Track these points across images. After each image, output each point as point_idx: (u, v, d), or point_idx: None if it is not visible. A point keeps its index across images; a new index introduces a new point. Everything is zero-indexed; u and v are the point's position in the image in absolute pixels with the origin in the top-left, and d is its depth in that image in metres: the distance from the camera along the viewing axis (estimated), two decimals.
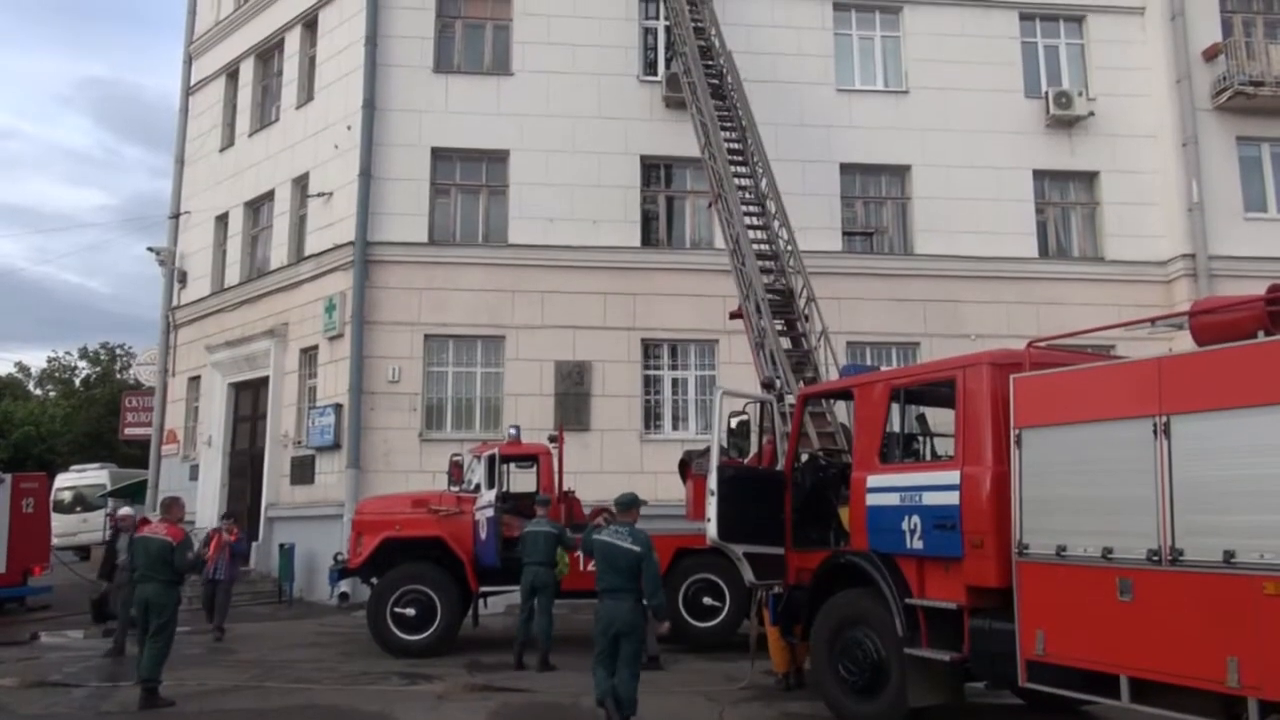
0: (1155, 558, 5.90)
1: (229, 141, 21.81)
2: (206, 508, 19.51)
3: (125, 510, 13.62)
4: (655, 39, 18.93)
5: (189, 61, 23.35)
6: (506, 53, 18.58)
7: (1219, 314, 6.32)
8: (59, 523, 21.38)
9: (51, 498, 20.17)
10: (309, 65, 19.89)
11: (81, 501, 27.40)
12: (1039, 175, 18.97)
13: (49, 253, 75.66)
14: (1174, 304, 17.69)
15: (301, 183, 19.40)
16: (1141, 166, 18.89)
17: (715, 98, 15.75)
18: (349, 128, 18.06)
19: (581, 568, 11.35)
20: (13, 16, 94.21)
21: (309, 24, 19.98)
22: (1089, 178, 19.14)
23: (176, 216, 22.78)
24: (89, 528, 25.93)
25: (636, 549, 7.49)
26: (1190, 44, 18.74)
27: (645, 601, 7.53)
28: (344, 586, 13.88)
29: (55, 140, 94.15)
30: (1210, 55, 18.73)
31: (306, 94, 19.75)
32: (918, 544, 7.46)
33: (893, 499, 7.72)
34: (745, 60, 16.96)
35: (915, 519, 7.49)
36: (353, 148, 17.87)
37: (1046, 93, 18.79)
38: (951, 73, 18.79)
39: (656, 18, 18.83)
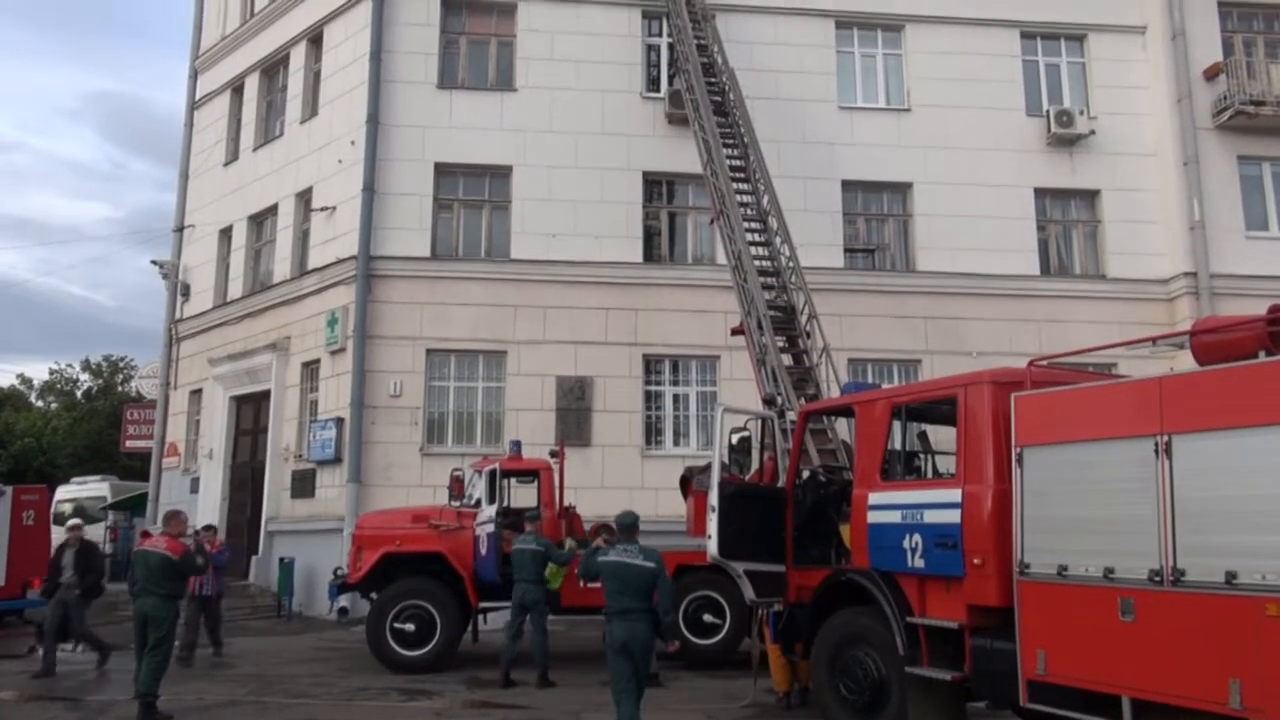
0: (1157, 578, 5.88)
1: (233, 156, 21.89)
2: (207, 521, 19.42)
3: (73, 522, 13.11)
4: (658, 56, 19.02)
5: (194, 76, 23.49)
6: (510, 69, 18.67)
7: (1220, 334, 6.33)
8: (59, 535, 21.28)
9: (52, 510, 20.12)
10: (313, 80, 19.99)
11: (81, 514, 27.24)
12: (1040, 193, 19.01)
13: (54, 265, 75.93)
14: (1176, 322, 17.72)
15: (305, 197, 19.46)
16: (1143, 185, 18.93)
17: (717, 114, 15.82)
18: (352, 143, 18.14)
19: (581, 585, 11.31)
20: (20, 30, 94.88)
21: (314, 39, 20.09)
22: (1090, 196, 19.18)
23: (180, 230, 22.86)
24: None
25: (651, 565, 7.41)
26: (1191, 63, 18.82)
27: (662, 618, 7.43)
28: (343, 601, 13.83)
29: (61, 153, 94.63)
30: (1211, 74, 18.81)
31: (311, 109, 19.83)
32: (919, 562, 7.43)
33: (894, 517, 7.70)
34: (747, 77, 17.04)
35: (916, 537, 7.47)
36: (356, 162, 17.94)
37: (1048, 111, 18.85)
38: (953, 91, 18.86)
39: (659, 35, 18.93)
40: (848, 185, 18.65)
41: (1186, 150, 18.53)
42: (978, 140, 18.73)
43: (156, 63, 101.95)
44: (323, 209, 18.61)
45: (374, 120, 17.92)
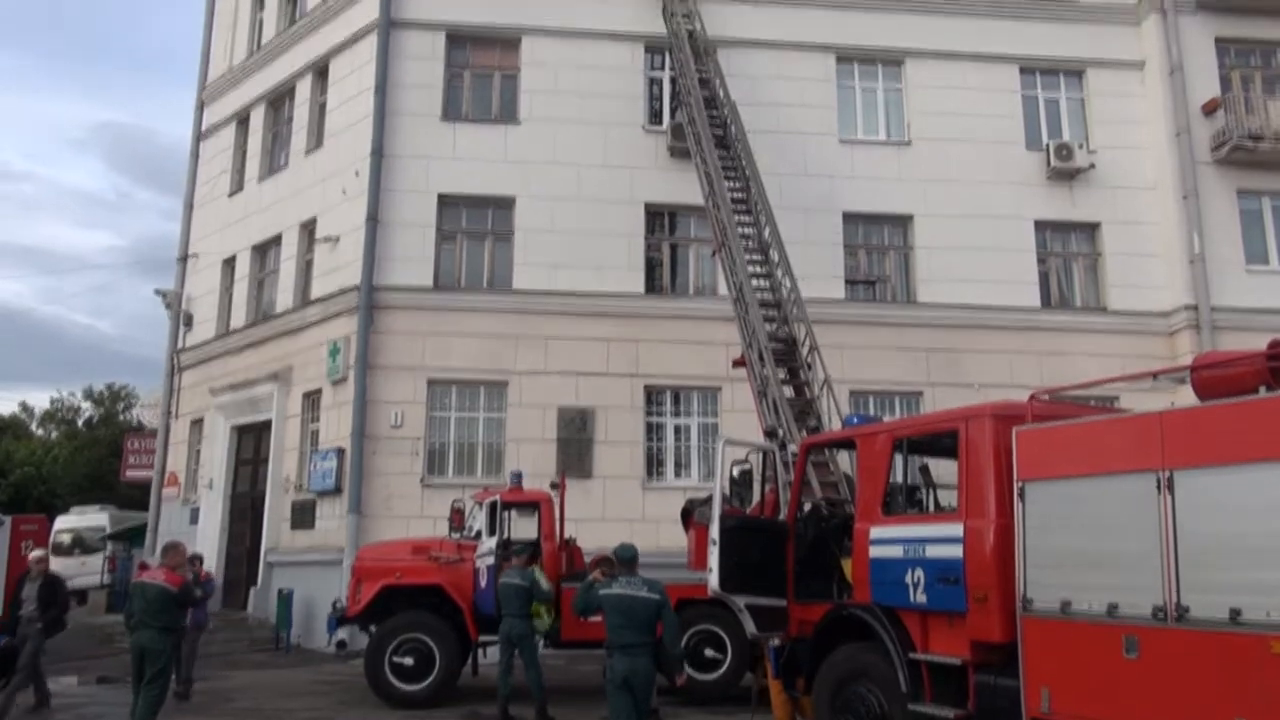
0: (1160, 614, 5.85)
1: (238, 186, 22.02)
2: (206, 551, 19.27)
3: (37, 554, 12.76)
4: (660, 89, 19.18)
5: (201, 107, 23.67)
6: (513, 101, 18.82)
7: (1221, 369, 6.34)
8: (57, 566, 21.19)
9: (51, 540, 20.03)
10: (319, 112, 20.15)
11: (80, 544, 27.21)
12: (1041, 226, 19.06)
13: (58, 293, 76.23)
14: (1177, 355, 17.71)
15: (309, 227, 19.54)
16: (1143, 218, 18.99)
17: (719, 147, 15.92)
18: (357, 174, 18.23)
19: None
20: (28, 61, 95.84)
21: (320, 72, 20.28)
22: (1090, 229, 19.24)
23: (184, 259, 22.93)
24: (88, 571, 25.70)
25: (655, 597, 7.38)
26: (1189, 98, 18.94)
27: (670, 650, 7.36)
28: (342, 634, 13.72)
29: (68, 183, 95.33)
30: (1210, 109, 18.94)
31: (316, 140, 19.98)
32: (921, 597, 7.39)
33: (896, 551, 7.67)
34: (749, 111, 17.13)
35: (919, 572, 7.43)
36: (360, 193, 18.03)
37: (1047, 145, 18.96)
38: (953, 124, 18.97)
39: (662, 69, 19.09)
40: (849, 217, 18.71)
41: (1186, 184, 18.61)
42: (978, 173, 18.82)
43: (163, 94, 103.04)
44: (326, 239, 18.68)
45: (378, 152, 18.04)
